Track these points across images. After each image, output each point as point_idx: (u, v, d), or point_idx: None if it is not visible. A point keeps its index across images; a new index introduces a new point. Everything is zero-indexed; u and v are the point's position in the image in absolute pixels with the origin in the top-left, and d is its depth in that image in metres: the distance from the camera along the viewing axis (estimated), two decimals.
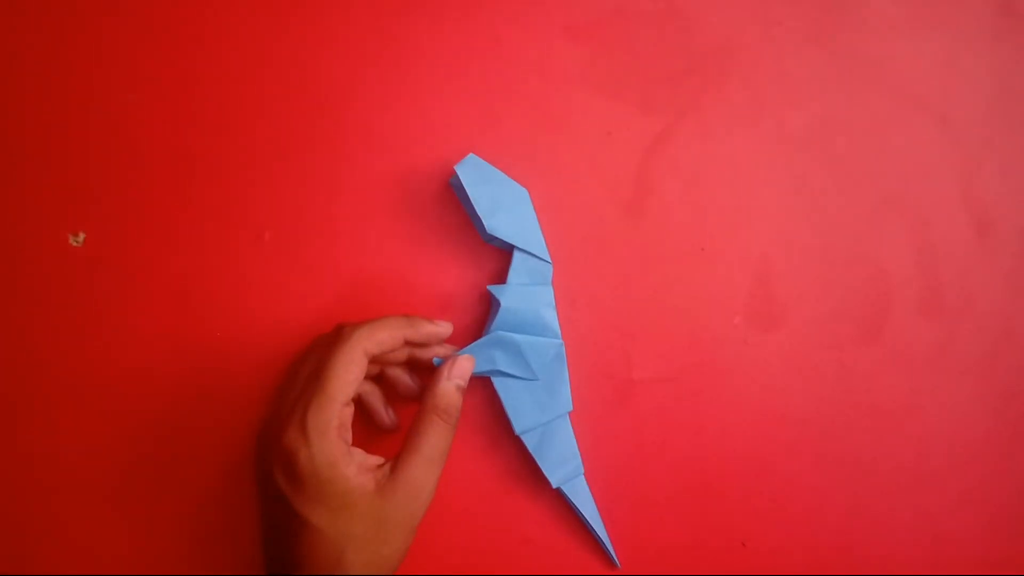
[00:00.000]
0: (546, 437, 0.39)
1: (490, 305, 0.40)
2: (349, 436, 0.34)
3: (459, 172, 0.37)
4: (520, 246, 0.38)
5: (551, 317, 0.39)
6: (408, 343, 0.37)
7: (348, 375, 0.33)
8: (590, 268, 0.41)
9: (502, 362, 0.38)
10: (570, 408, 0.39)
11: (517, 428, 0.38)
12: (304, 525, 0.32)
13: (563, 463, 0.39)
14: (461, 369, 0.36)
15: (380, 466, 0.34)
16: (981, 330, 0.42)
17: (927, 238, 0.43)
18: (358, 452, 0.34)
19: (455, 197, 0.41)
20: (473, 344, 0.38)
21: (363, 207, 0.41)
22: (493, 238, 0.38)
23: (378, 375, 0.39)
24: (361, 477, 0.33)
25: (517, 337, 0.38)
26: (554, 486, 0.39)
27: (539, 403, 0.38)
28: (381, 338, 0.35)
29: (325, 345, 0.35)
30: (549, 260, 0.39)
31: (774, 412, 0.42)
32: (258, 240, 0.41)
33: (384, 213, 0.41)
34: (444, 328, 0.37)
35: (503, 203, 0.38)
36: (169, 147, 0.41)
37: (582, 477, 0.39)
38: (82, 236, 0.40)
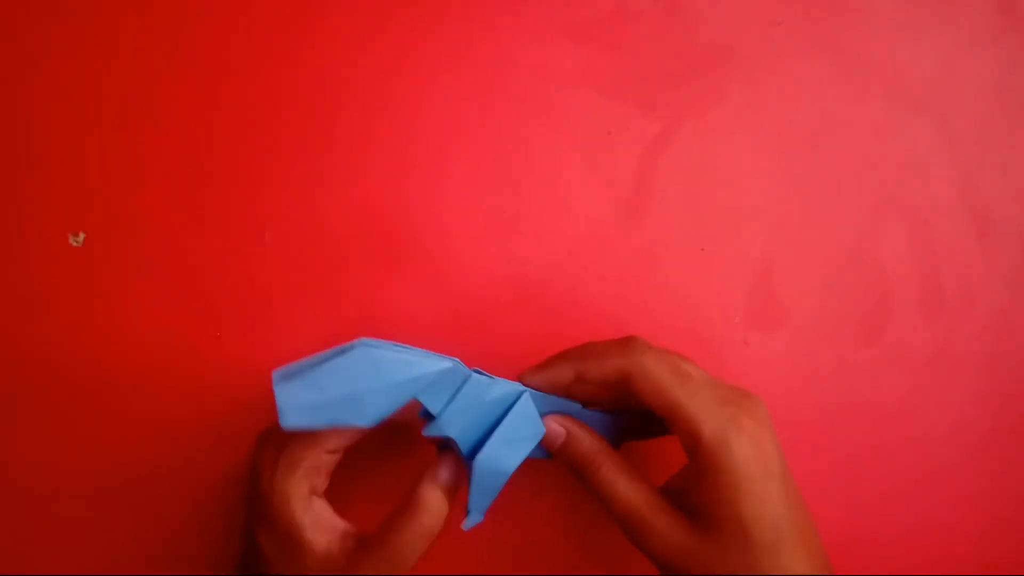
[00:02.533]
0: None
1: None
2: (321, 482, 0.32)
3: (287, 411, 0.29)
4: (415, 391, 0.30)
5: (496, 392, 0.32)
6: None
7: (345, 429, 0.32)
8: (590, 268, 0.41)
9: (508, 459, 0.32)
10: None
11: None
12: (254, 538, 0.32)
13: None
14: (449, 474, 0.32)
15: (345, 535, 0.32)
16: (981, 330, 0.42)
17: (927, 238, 0.43)
18: (322, 505, 0.32)
19: (454, 196, 0.41)
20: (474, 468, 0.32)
21: (363, 207, 0.41)
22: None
23: None
24: (314, 531, 0.31)
25: (494, 440, 0.32)
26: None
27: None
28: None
29: None
30: (447, 360, 0.31)
31: (774, 412, 0.41)
32: (258, 240, 0.41)
33: (384, 213, 0.41)
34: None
35: (358, 388, 0.29)
36: (169, 147, 0.41)
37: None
38: (82, 236, 0.40)
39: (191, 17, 0.41)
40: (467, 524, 0.33)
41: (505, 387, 0.32)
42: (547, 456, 0.35)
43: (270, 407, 0.40)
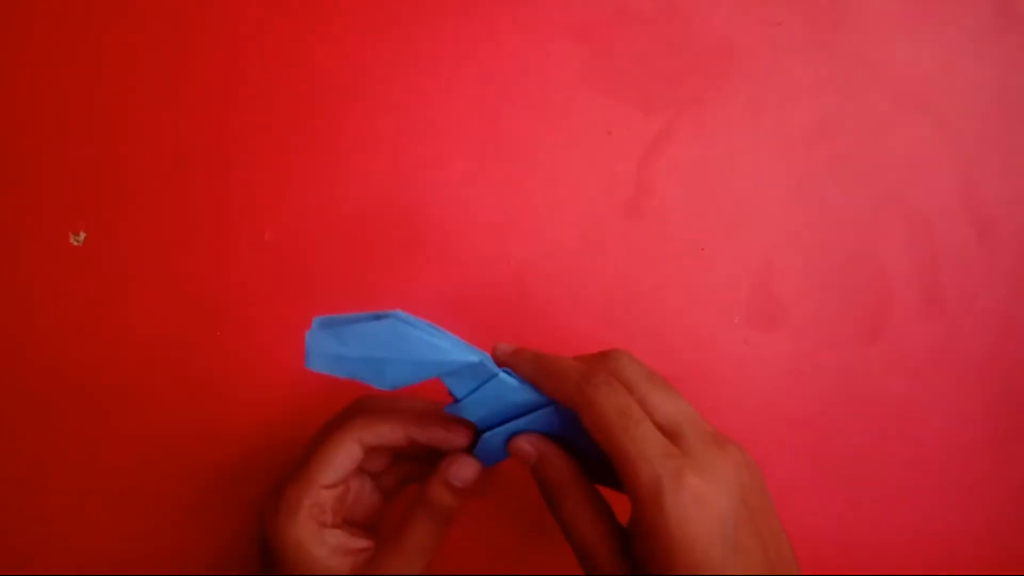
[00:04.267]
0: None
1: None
2: (328, 517, 0.32)
3: (311, 354, 0.30)
4: (439, 373, 0.31)
5: (521, 397, 0.32)
6: (414, 443, 0.33)
7: (334, 459, 0.32)
8: (590, 268, 0.41)
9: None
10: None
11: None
12: None
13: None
14: (461, 471, 0.32)
15: (363, 550, 0.32)
16: (981, 330, 0.42)
17: (927, 238, 0.43)
18: (337, 534, 0.32)
19: (454, 196, 0.41)
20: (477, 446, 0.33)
21: (363, 207, 0.41)
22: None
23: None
24: (334, 559, 0.31)
25: (508, 427, 0.32)
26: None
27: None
28: (381, 431, 0.32)
29: (333, 423, 0.34)
30: (477, 354, 0.31)
31: (774, 412, 0.41)
32: (258, 240, 0.41)
33: (384, 213, 0.41)
34: (456, 436, 0.33)
35: (379, 354, 0.30)
36: (169, 147, 0.41)
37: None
38: (82, 235, 0.40)
39: (191, 17, 0.41)
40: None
41: (532, 396, 0.32)
42: (505, 458, 0.34)
43: (271, 407, 0.40)
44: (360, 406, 0.34)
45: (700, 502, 0.27)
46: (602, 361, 0.32)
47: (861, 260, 0.42)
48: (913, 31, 0.43)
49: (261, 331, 0.40)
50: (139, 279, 0.40)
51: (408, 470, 0.36)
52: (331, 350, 0.30)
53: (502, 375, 0.32)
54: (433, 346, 0.30)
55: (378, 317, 0.30)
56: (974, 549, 0.42)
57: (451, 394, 0.32)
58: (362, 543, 0.33)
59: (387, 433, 0.33)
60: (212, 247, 0.41)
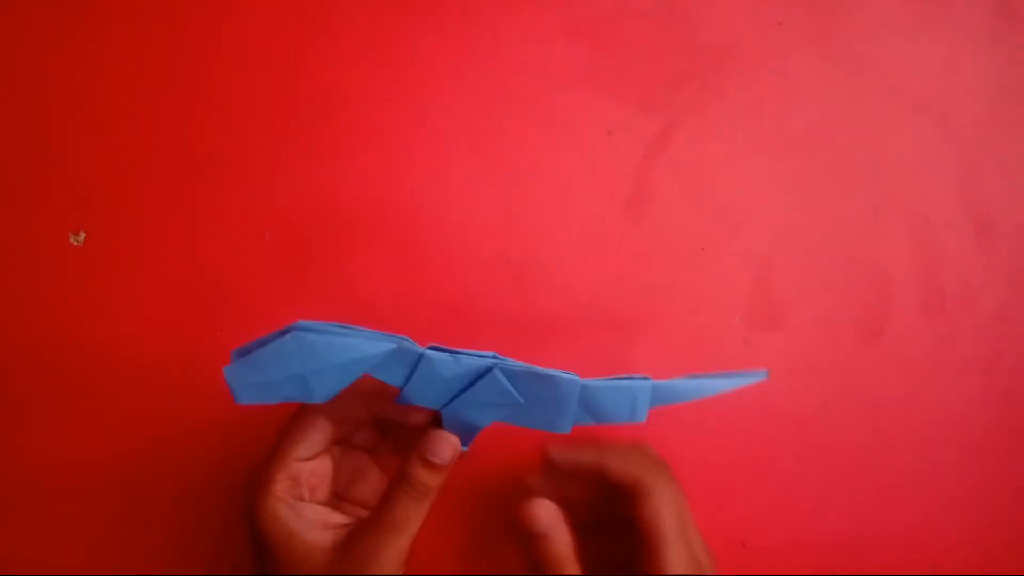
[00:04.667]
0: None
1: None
2: (304, 492, 0.33)
3: (236, 389, 0.30)
4: (364, 371, 0.31)
5: (458, 369, 0.32)
6: (377, 418, 0.35)
7: (302, 435, 0.33)
8: (590, 268, 0.41)
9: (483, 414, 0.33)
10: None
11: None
12: (264, 567, 0.32)
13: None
14: (439, 448, 0.32)
15: (345, 524, 0.33)
16: (981, 330, 0.42)
17: (927, 238, 0.43)
18: (317, 509, 0.33)
19: (454, 196, 0.41)
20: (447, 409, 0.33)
21: (363, 207, 0.41)
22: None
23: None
24: (313, 532, 0.32)
25: (463, 400, 0.32)
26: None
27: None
28: (344, 404, 0.33)
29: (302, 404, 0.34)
30: (392, 339, 0.31)
31: (774, 412, 0.41)
32: (258, 240, 0.41)
33: (384, 213, 0.41)
34: (414, 416, 0.34)
35: (297, 370, 0.30)
36: (169, 147, 0.41)
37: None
38: (82, 236, 0.40)
39: (192, 17, 0.41)
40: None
41: (470, 364, 0.32)
42: (542, 427, 0.34)
43: (270, 406, 0.40)
44: None
45: None
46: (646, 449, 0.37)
47: (861, 260, 0.42)
48: (913, 31, 0.43)
49: (261, 331, 0.40)
50: (139, 279, 0.40)
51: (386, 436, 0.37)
52: (252, 379, 0.30)
53: (428, 352, 0.31)
54: (344, 346, 0.30)
55: (281, 334, 0.30)
56: (974, 549, 0.42)
57: (392, 385, 0.32)
58: (341, 518, 0.33)
59: (350, 407, 0.34)
60: (212, 247, 0.41)
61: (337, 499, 0.36)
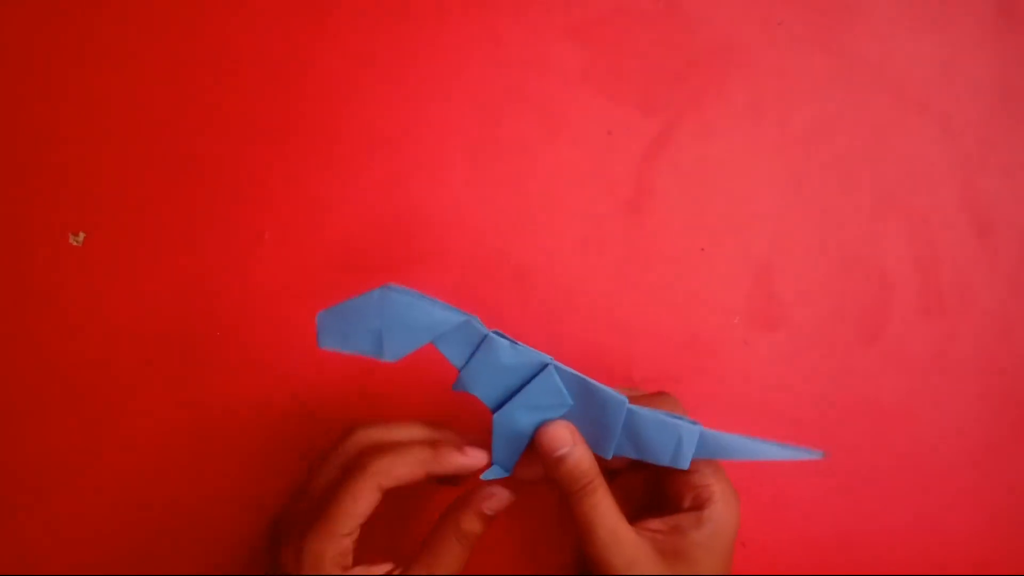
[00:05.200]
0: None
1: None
2: (349, 561, 0.32)
3: (322, 333, 0.32)
4: (431, 338, 0.32)
5: (515, 358, 0.33)
6: (432, 477, 0.33)
7: (356, 508, 0.32)
8: (590, 268, 0.41)
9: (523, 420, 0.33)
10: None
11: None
12: None
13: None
14: (495, 501, 0.33)
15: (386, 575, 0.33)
16: (981, 330, 0.42)
17: (927, 238, 0.43)
18: (359, 570, 0.32)
19: (454, 196, 0.41)
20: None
21: (363, 207, 0.41)
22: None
23: None
24: None
25: (515, 402, 0.33)
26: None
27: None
28: (399, 474, 0.32)
29: (342, 466, 0.33)
30: (464, 315, 0.32)
31: (774, 412, 0.42)
32: (258, 240, 0.41)
33: (384, 213, 0.41)
34: (475, 459, 0.33)
35: (375, 324, 0.32)
36: (169, 147, 0.41)
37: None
38: (82, 236, 0.40)
39: (191, 18, 0.41)
40: (486, 475, 0.33)
41: (528, 355, 0.33)
42: (507, 474, 0.34)
43: (271, 407, 0.40)
44: (369, 443, 0.33)
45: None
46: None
47: (861, 260, 0.42)
48: (914, 31, 0.43)
49: (261, 331, 0.40)
50: (139, 279, 0.40)
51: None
52: (337, 326, 0.32)
53: (492, 335, 0.32)
54: (420, 308, 0.31)
55: (370, 292, 0.32)
56: (974, 549, 0.42)
57: (453, 365, 0.33)
58: (381, 569, 0.33)
59: (407, 475, 0.32)
60: (212, 247, 0.41)
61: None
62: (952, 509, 0.42)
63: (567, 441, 0.33)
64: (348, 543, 0.32)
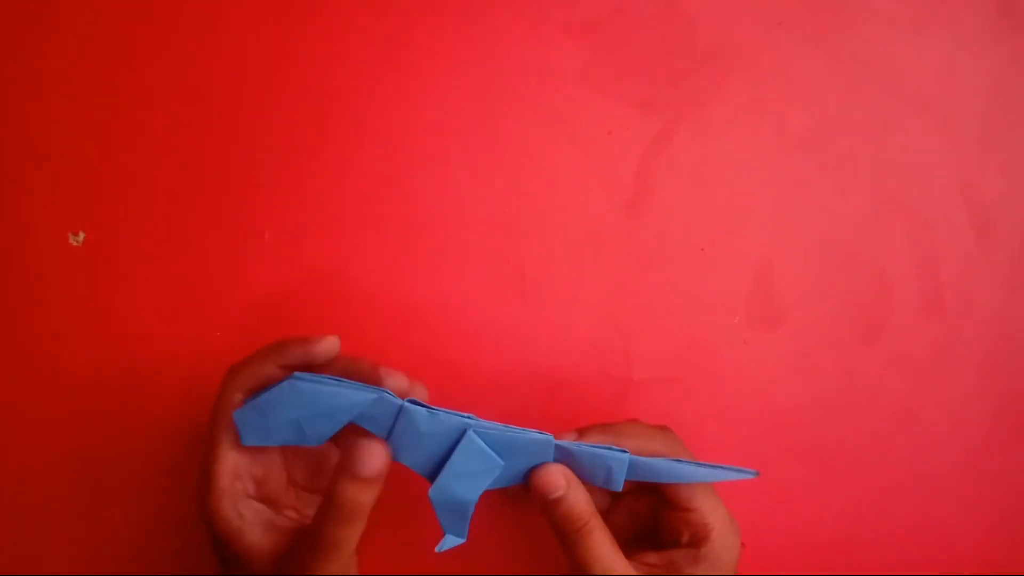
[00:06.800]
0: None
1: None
2: (249, 486, 0.32)
3: (244, 431, 0.32)
4: (350, 418, 0.32)
5: (434, 426, 0.32)
6: (287, 367, 0.32)
7: (228, 418, 0.32)
8: (590, 268, 0.41)
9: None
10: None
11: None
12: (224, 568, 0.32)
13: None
14: (367, 459, 0.30)
15: (291, 530, 0.32)
16: (981, 330, 0.42)
17: (927, 238, 0.43)
18: (260, 509, 0.32)
19: (454, 196, 0.41)
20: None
21: (363, 207, 0.41)
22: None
23: None
24: (255, 533, 0.31)
25: (445, 473, 0.32)
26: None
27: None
28: (249, 373, 0.32)
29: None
30: (376, 391, 0.31)
31: (774, 412, 0.42)
32: (258, 240, 0.41)
33: (384, 213, 0.41)
34: (322, 345, 0.32)
35: (293, 415, 0.31)
36: (169, 147, 0.41)
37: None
38: (82, 236, 0.40)
39: (189, 17, 0.41)
40: (440, 546, 0.33)
41: (446, 422, 0.32)
42: (522, 482, 0.34)
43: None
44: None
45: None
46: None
47: (861, 260, 0.42)
48: (914, 31, 0.43)
49: (261, 331, 0.40)
50: (139, 279, 0.40)
51: None
52: (255, 422, 0.32)
53: (406, 405, 0.32)
54: (332, 394, 0.31)
55: (279, 383, 0.32)
56: (974, 549, 0.42)
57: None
58: (288, 521, 0.32)
59: (255, 373, 0.32)
60: (212, 247, 0.41)
61: (298, 491, 0.35)
62: (952, 509, 0.42)
63: (561, 485, 0.33)
64: (237, 462, 0.32)
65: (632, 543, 0.35)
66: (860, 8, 0.43)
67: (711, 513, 0.34)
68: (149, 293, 0.40)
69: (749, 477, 0.34)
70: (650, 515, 0.37)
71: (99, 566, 0.39)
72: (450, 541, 0.33)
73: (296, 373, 0.31)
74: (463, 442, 0.32)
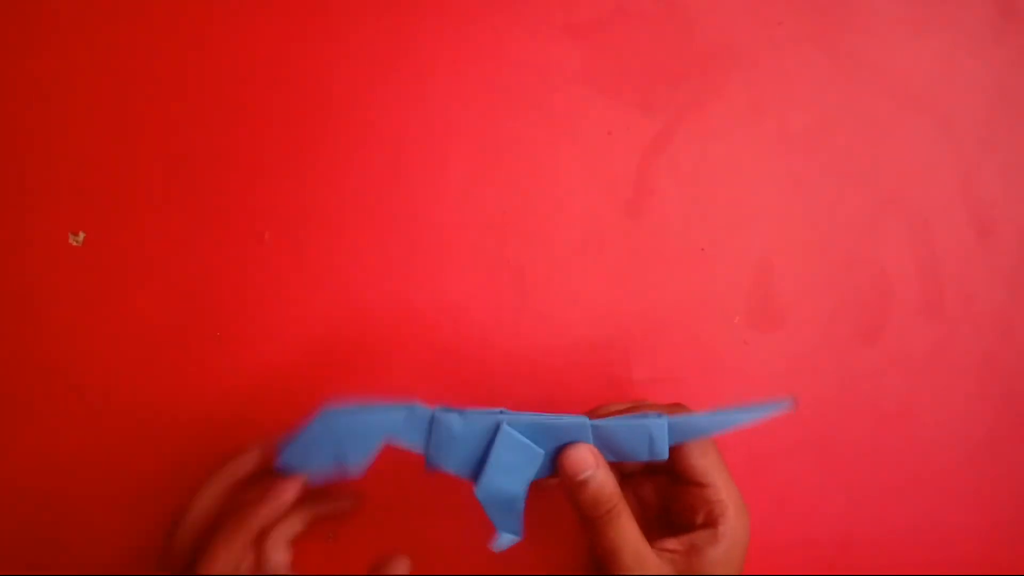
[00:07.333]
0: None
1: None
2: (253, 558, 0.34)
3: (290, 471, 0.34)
4: (386, 438, 0.33)
5: (467, 426, 0.33)
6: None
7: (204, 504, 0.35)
8: (590, 268, 0.41)
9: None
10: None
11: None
12: None
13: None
14: (287, 525, 0.36)
15: None
16: (981, 330, 0.42)
17: (927, 238, 0.43)
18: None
19: (454, 196, 0.41)
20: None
21: (363, 207, 0.41)
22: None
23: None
24: None
25: (488, 472, 0.33)
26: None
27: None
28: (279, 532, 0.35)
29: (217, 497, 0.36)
30: (403, 409, 0.33)
31: None
32: (258, 240, 0.41)
33: (384, 213, 0.41)
34: (281, 495, 0.34)
35: (332, 447, 0.33)
36: (169, 147, 0.41)
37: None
38: (82, 236, 0.40)
39: (189, 18, 0.41)
40: (496, 545, 0.33)
41: (480, 420, 0.33)
42: (551, 474, 0.34)
43: (271, 407, 0.40)
44: (241, 479, 0.36)
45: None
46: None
47: (861, 260, 0.42)
48: (914, 31, 0.43)
49: (261, 331, 0.40)
50: (139, 279, 0.40)
51: None
52: (298, 460, 0.33)
53: (437, 413, 0.32)
54: (363, 419, 0.32)
55: (312, 419, 0.33)
56: (974, 549, 0.42)
57: (417, 453, 0.33)
58: None
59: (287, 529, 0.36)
60: (212, 247, 0.41)
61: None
62: (952, 509, 0.42)
63: (590, 464, 0.33)
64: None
65: (647, 527, 0.34)
66: (860, 8, 0.43)
67: (724, 489, 0.34)
68: (149, 293, 0.40)
69: (785, 409, 0.34)
70: (659, 499, 0.36)
71: (98, 565, 0.39)
72: (506, 539, 0.33)
73: (326, 406, 0.32)
74: (499, 436, 0.32)
